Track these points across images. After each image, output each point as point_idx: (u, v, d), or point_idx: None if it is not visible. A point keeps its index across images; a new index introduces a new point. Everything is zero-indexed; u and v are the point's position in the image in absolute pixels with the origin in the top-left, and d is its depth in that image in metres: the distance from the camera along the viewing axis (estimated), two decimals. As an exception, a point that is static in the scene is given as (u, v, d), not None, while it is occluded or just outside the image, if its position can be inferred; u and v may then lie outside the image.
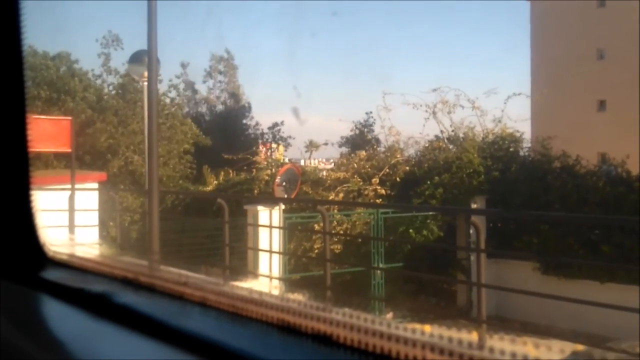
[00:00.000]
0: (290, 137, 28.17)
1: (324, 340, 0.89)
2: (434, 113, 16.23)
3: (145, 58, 12.32)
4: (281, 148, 22.41)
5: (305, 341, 0.91)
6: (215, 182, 17.59)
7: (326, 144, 24.48)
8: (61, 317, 1.35)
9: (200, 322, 1.06)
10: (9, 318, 1.35)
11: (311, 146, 25.56)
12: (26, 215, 1.67)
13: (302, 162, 23.18)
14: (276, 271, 10.55)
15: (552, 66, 27.30)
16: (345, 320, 0.89)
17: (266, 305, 0.99)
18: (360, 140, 20.73)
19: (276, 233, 10.81)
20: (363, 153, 15.54)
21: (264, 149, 20.42)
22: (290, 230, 12.39)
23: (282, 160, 17.81)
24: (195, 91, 29.02)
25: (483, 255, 6.94)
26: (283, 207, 11.42)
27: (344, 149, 22.21)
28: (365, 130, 21.88)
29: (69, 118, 12.00)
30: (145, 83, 12.76)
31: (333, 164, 20.24)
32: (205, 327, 1.02)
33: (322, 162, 25.04)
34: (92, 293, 1.28)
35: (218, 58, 29.96)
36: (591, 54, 27.69)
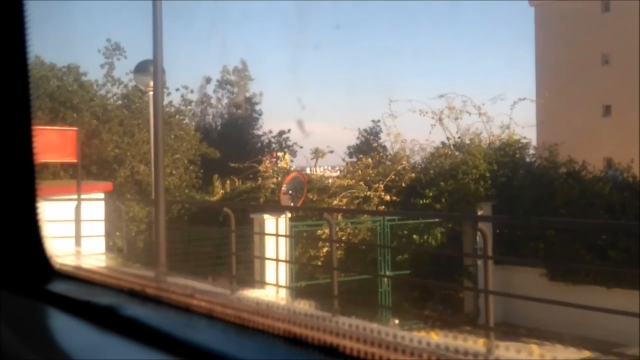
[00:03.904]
0: (296, 144, 28.21)
1: (330, 351, 0.88)
2: (440, 120, 16.22)
3: (151, 68, 12.41)
4: (287, 156, 22.42)
5: (311, 353, 0.91)
6: (222, 191, 17.60)
7: (332, 151, 24.52)
8: (68, 330, 1.35)
9: (207, 334, 1.06)
10: (15, 331, 1.35)
11: (316, 154, 25.54)
12: (32, 227, 1.67)
13: (307, 170, 23.18)
14: (283, 280, 10.54)
15: (557, 72, 27.28)
16: (352, 331, 0.89)
17: (272, 317, 0.98)
18: (366, 147, 20.79)
19: (283, 241, 10.80)
20: (369, 160, 15.53)
21: (270, 157, 20.42)
22: (297, 239, 12.38)
23: (287, 169, 17.82)
24: (205, 101, 29.13)
25: (490, 261, 6.92)
26: (289, 215, 11.41)
27: (349, 158, 22.31)
28: (372, 138, 21.95)
29: (75, 129, 12.02)
30: (151, 93, 12.81)
31: (339, 171, 20.25)
32: (212, 338, 1.02)
33: (328, 169, 25.01)
34: (98, 305, 1.27)
35: (231, 69, 29.98)
36: (596, 59, 27.67)
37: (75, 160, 10.77)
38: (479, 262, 11.98)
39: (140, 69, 12.89)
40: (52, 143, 10.33)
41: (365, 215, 13.94)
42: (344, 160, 23.00)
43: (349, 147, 23.41)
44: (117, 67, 21.28)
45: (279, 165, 18.73)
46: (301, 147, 27.50)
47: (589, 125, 26.16)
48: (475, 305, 11.77)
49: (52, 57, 19.71)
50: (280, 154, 22.30)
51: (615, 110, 27.04)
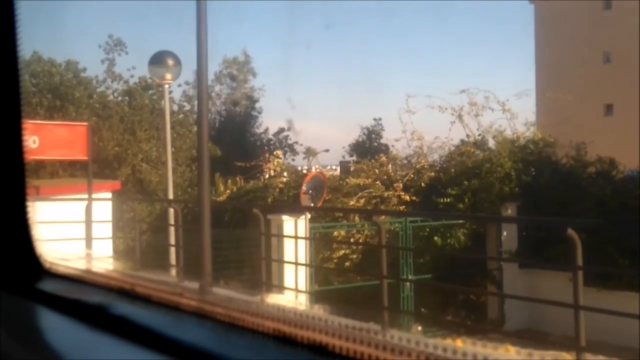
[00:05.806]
0: (297, 142, 28.47)
1: (320, 350, 0.90)
2: (460, 116, 16.09)
3: (167, 59, 12.50)
4: (280, 155, 22.52)
5: (301, 351, 0.93)
6: (228, 190, 17.59)
7: (327, 150, 24.91)
8: (58, 328, 1.39)
9: (196, 333, 1.09)
10: (5, 329, 1.39)
11: (309, 153, 25.86)
12: (22, 226, 1.70)
13: (299, 169, 23.49)
14: (302, 284, 10.36)
15: (557, 70, 27.48)
16: (341, 330, 0.89)
17: (262, 316, 1.00)
18: (368, 146, 20.99)
19: (302, 244, 10.51)
20: (384, 158, 15.47)
21: (264, 155, 20.57)
22: (318, 241, 12.17)
23: (283, 167, 17.82)
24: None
25: (580, 273, 6.62)
26: (309, 216, 11.16)
27: (350, 157, 22.60)
28: (373, 136, 22.14)
29: (85, 124, 12.01)
30: (167, 86, 12.90)
31: (330, 170, 20.38)
32: (201, 337, 1.05)
33: (319, 169, 25.27)
34: (88, 304, 1.32)
35: (231, 61, 30.07)
36: (597, 57, 27.94)
37: (85, 158, 10.76)
38: (503, 265, 11.94)
39: (156, 60, 12.87)
40: (61, 139, 10.37)
41: (384, 217, 13.84)
42: (343, 157, 23.31)
43: (350, 146, 23.68)
44: (118, 62, 21.38)
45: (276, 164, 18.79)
46: (301, 145, 27.93)
47: (590, 123, 26.19)
48: (499, 311, 11.68)
49: (49, 52, 19.85)
50: (277, 152, 22.43)
51: (617, 109, 27.18)
